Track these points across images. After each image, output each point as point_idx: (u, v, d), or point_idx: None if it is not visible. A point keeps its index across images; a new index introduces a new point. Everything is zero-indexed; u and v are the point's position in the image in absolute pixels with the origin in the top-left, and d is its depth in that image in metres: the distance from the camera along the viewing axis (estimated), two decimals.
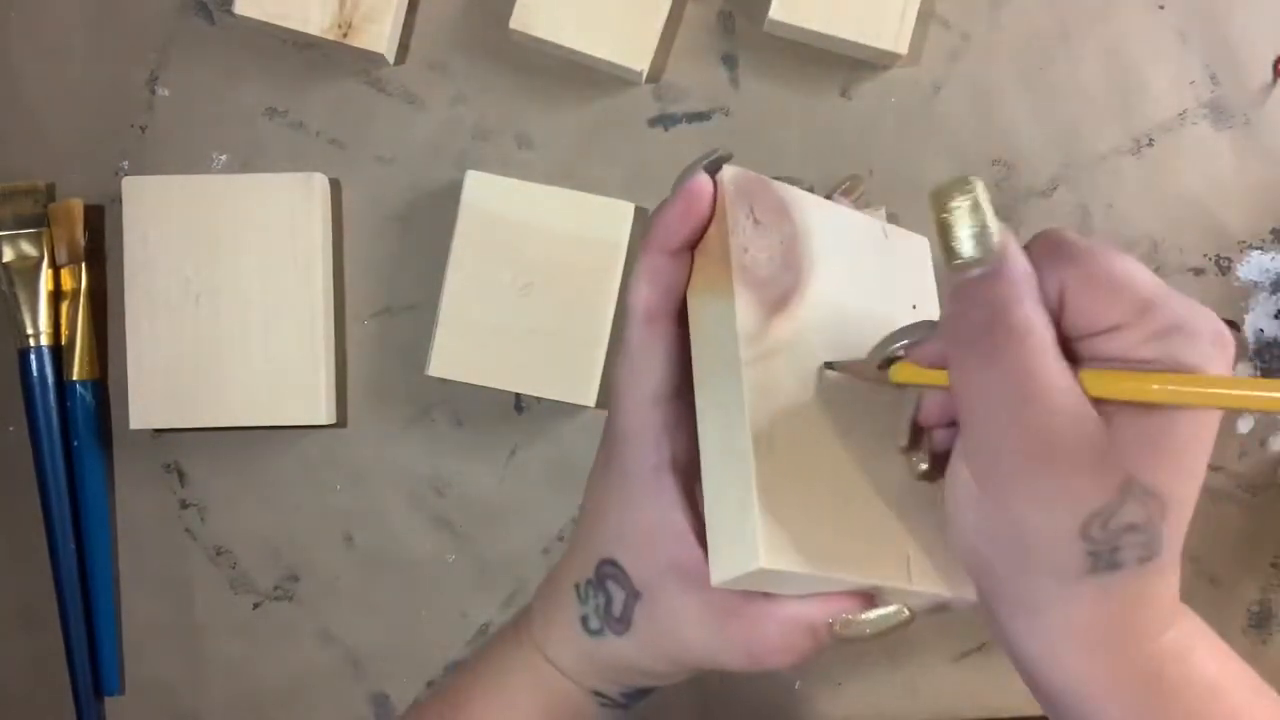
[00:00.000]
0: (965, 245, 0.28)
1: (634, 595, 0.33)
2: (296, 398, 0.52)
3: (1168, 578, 0.31)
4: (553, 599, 0.36)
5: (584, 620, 0.34)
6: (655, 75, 0.55)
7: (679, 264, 0.33)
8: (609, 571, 0.33)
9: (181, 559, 0.55)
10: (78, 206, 0.54)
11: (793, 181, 0.36)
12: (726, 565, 0.30)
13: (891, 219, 0.54)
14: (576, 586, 0.34)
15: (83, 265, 0.54)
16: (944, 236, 0.29)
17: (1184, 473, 0.29)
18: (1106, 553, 0.29)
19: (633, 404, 0.33)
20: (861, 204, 0.39)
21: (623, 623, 0.33)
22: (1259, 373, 0.55)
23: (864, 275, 0.36)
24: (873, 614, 0.33)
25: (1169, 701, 0.30)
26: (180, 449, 0.55)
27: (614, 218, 0.53)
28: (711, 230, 0.34)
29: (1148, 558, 0.29)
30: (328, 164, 0.55)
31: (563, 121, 0.55)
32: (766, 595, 0.32)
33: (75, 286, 0.54)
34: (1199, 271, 0.55)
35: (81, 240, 0.54)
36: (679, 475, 0.33)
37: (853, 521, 0.32)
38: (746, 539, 0.29)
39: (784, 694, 0.55)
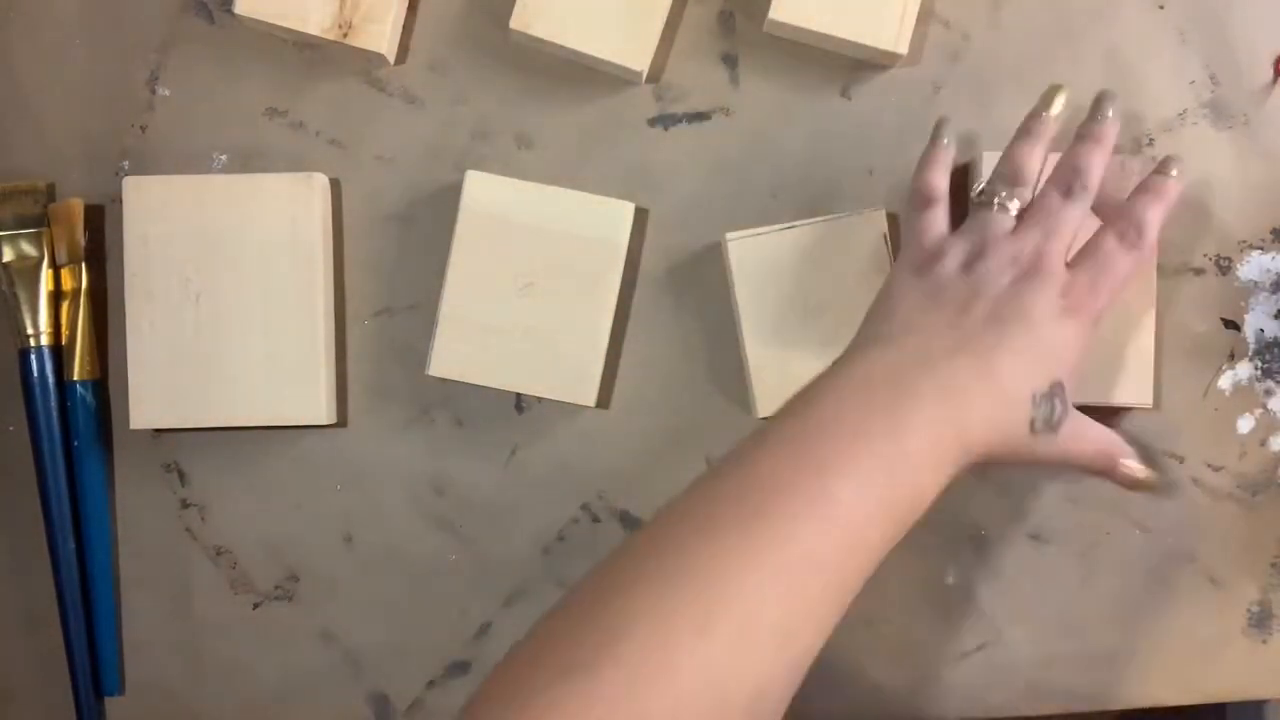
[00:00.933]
0: None
1: (1066, 411, 0.45)
2: (296, 398, 0.52)
3: None
4: (1002, 401, 0.44)
5: (1031, 422, 0.44)
6: (655, 75, 0.55)
7: None
8: (1058, 390, 0.45)
9: (181, 559, 0.55)
10: (78, 206, 0.54)
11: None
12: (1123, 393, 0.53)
13: (891, 219, 0.54)
14: (1034, 395, 0.44)
15: (83, 265, 0.54)
16: None
17: None
18: None
19: None
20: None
21: (1054, 428, 0.45)
22: (1259, 373, 0.55)
23: None
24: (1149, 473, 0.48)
25: None
26: (180, 449, 0.55)
27: (614, 218, 0.53)
28: None
29: None
30: (328, 164, 0.55)
31: (563, 121, 0.55)
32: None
33: (75, 286, 0.54)
34: (1199, 271, 0.55)
35: (81, 240, 0.54)
36: None
37: None
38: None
39: None
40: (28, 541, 0.54)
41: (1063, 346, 0.45)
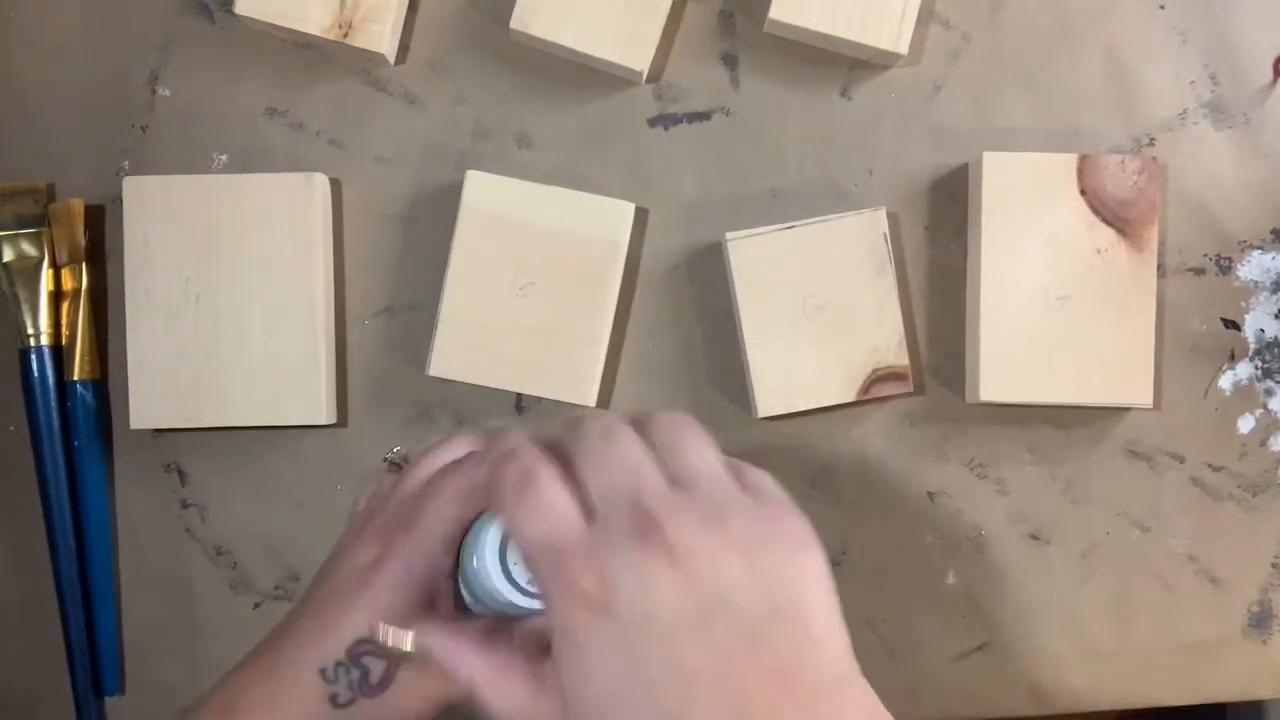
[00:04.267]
0: None
1: (398, 660, 0.36)
2: (296, 398, 0.52)
3: None
4: (278, 688, 0.37)
5: (333, 698, 0.37)
6: (655, 75, 0.55)
7: None
8: (365, 649, 0.37)
9: (181, 559, 0.55)
10: (78, 206, 0.54)
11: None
12: None
13: (891, 219, 0.54)
14: (322, 671, 0.37)
15: (83, 265, 0.54)
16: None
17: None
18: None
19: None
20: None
21: (383, 686, 0.37)
22: (1259, 373, 0.55)
23: None
24: None
25: None
26: (180, 449, 0.55)
27: (614, 218, 0.53)
28: None
29: None
30: (328, 164, 0.55)
31: (563, 121, 0.55)
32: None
33: (75, 286, 0.54)
34: (1199, 271, 0.55)
35: (82, 240, 0.54)
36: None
37: None
38: None
39: None
40: (28, 541, 0.54)
41: (348, 604, 0.38)
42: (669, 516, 0.31)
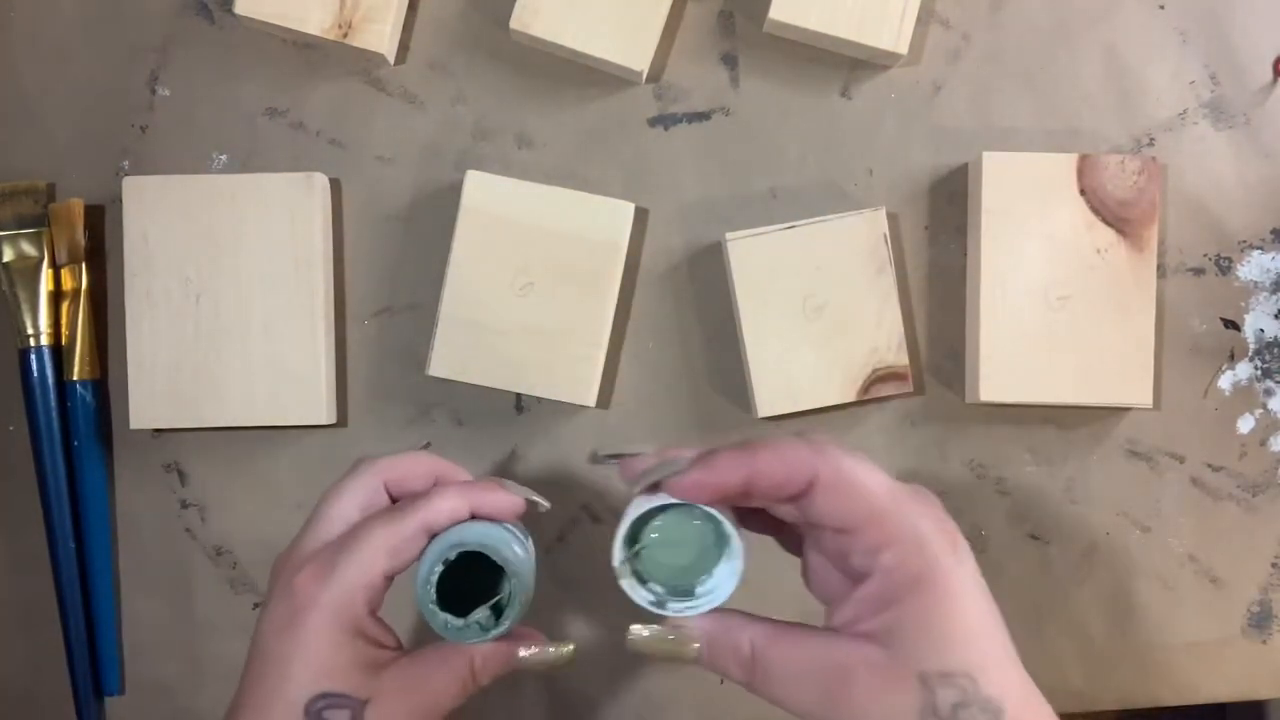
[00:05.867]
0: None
1: (361, 705, 0.37)
2: (296, 398, 0.52)
3: None
4: None
5: None
6: (655, 75, 0.55)
7: None
8: (324, 704, 0.37)
9: (181, 559, 0.55)
10: (78, 206, 0.54)
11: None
12: None
13: (891, 219, 0.54)
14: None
15: (83, 265, 0.54)
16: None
17: (966, 639, 0.34)
18: None
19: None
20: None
21: None
22: (1259, 373, 0.55)
23: None
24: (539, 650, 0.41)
25: None
26: (180, 449, 0.55)
27: (614, 218, 0.53)
28: None
29: (997, 716, 0.33)
30: (328, 164, 0.55)
31: (563, 121, 0.55)
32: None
33: (75, 286, 0.54)
34: (1199, 271, 0.55)
35: (82, 240, 0.54)
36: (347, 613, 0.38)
37: None
38: None
39: None
40: (28, 541, 0.54)
41: (288, 668, 0.37)
42: None
